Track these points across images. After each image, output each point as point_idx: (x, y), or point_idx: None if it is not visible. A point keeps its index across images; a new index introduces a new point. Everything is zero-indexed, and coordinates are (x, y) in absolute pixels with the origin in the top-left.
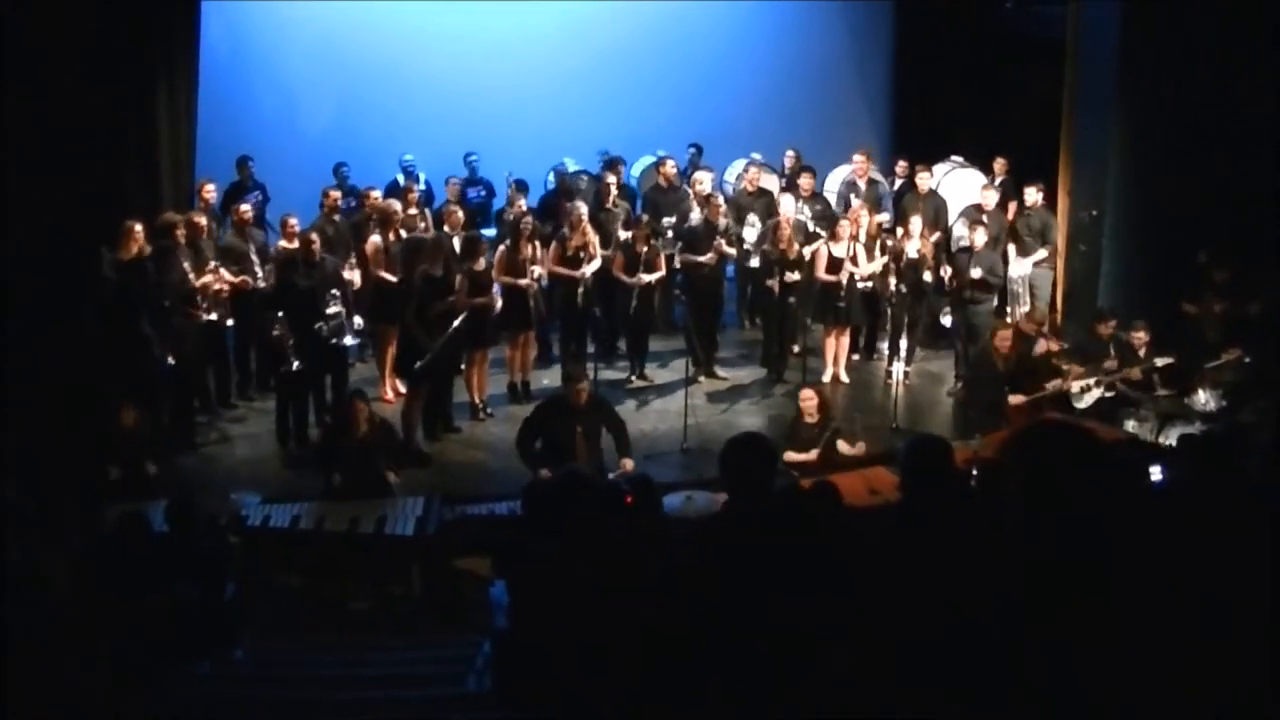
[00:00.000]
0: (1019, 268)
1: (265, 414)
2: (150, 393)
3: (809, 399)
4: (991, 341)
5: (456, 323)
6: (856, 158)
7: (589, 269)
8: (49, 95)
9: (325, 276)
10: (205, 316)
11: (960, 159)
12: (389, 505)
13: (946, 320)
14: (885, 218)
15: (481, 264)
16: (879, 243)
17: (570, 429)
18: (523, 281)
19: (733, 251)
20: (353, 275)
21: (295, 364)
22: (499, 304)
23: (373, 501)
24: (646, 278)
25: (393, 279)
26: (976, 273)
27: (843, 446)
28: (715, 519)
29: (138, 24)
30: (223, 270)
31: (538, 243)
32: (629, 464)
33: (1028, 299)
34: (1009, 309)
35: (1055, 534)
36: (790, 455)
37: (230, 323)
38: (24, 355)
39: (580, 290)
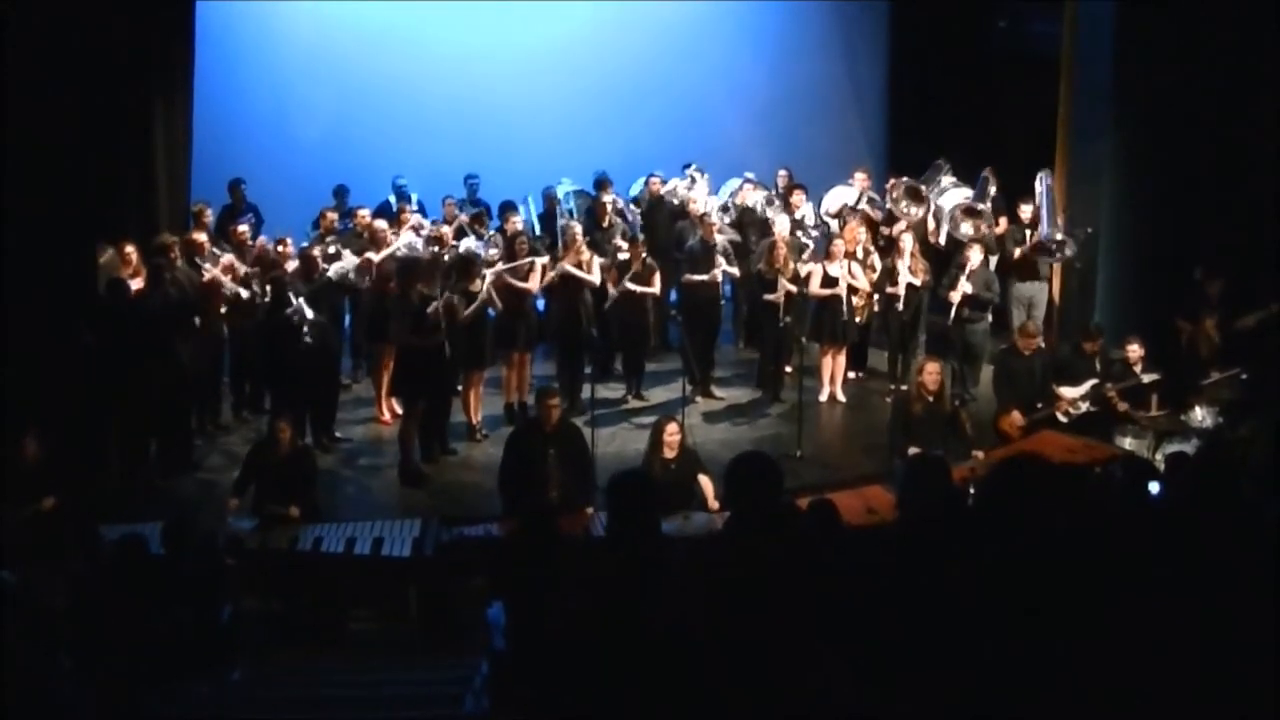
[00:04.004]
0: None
1: (261, 435)
2: (144, 412)
3: (673, 433)
4: (918, 376)
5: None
6: (858, 175)
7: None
8: (46, 115)
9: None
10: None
11: (953, 179)
12: (385, 527)
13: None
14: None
15: (477, 284)
16: (872, 259)
17: (541, 451)
18: (527, 285)
19: (736, 271)
20: None
21: (307, 338)
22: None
23: (368, 523)
24: (632, 286)
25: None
26: (969, 287)
27: (704, 481)
28: (718, 537)
29: (135, 44)
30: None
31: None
32: (588, 512)
33: (1024, 314)
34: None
35: (1045, 555)
36: None
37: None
38: (21, 374)
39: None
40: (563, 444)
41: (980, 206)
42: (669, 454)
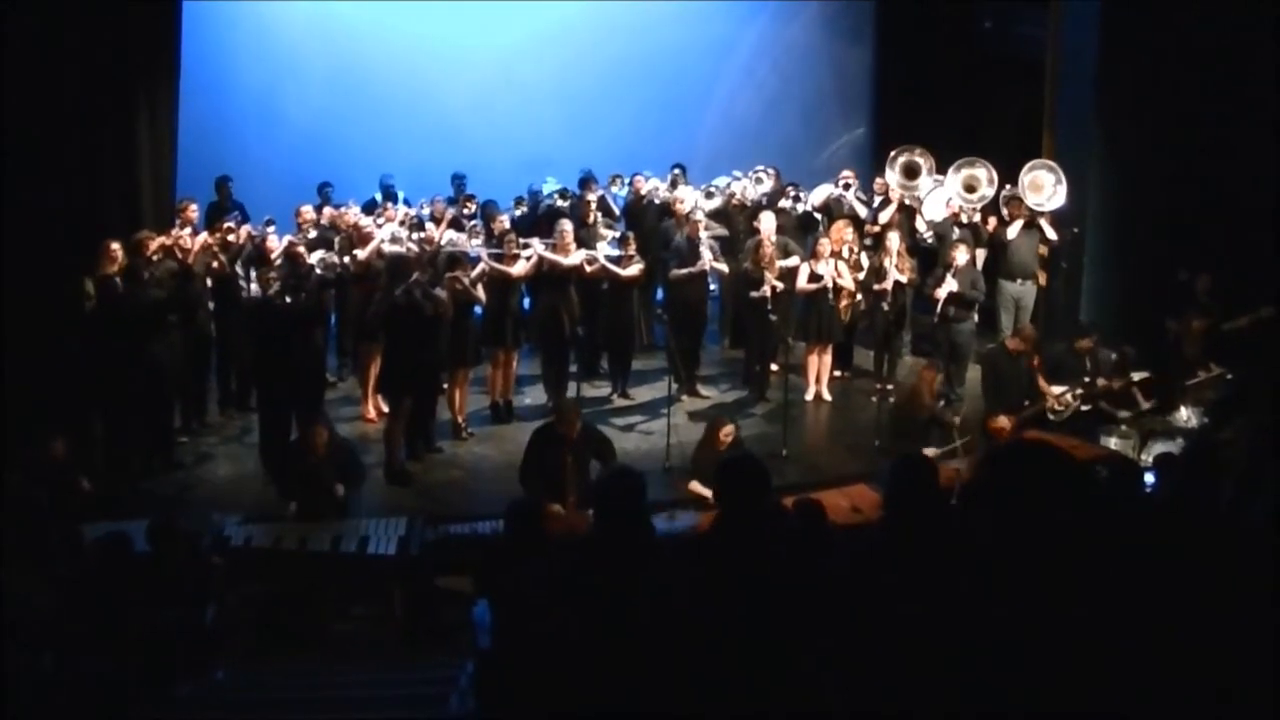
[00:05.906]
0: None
1: (247, 432)
2: (127, 411)
3: (728, 434)
4: (919, 383)
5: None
6: (844, 174)
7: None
8: (30, 113)
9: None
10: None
11: (939, 178)
12: (371, 525)
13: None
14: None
15: (465, 280)
16: (857, 259)
17: (559, 457)
18: (512, 270)
19: (723, 267)
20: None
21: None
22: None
23: (353, 522)
24: (610, 266)
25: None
26: (954, 285)
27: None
28: (705, 536)
29: (120, 42)
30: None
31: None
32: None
33: (1011, 313)
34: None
35: (1032, 551)
36: (695, 486)
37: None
38: (6, 374)
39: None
40: (582, 448)
41: (981, 172)
42: (720, 450)
